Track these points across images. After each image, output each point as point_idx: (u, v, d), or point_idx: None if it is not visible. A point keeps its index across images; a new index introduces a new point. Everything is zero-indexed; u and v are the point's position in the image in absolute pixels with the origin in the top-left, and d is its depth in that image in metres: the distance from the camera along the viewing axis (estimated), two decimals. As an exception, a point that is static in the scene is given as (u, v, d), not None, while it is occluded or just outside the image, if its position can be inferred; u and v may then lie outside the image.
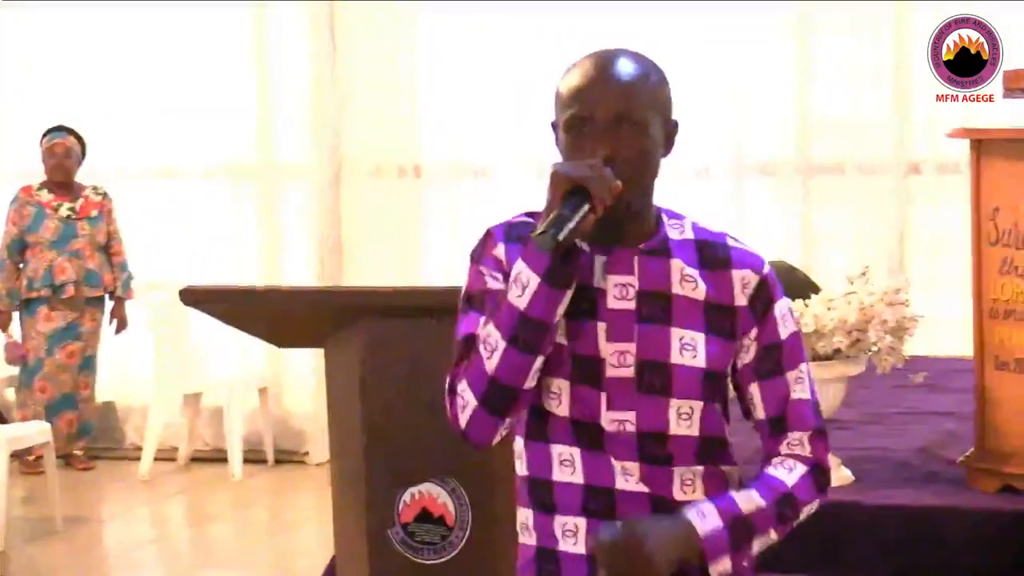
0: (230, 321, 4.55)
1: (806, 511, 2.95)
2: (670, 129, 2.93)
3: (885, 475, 5.46)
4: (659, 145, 2.89)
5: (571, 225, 2.70)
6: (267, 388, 10.31)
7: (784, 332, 2.95)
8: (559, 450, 2.88)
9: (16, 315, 10.15)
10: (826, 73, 9.47)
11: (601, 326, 2.85)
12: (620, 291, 2.86)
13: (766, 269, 2.96)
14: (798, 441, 2.95)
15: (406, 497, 3.58)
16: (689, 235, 2.91)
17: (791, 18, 9.54)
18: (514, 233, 2.90)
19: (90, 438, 10.32)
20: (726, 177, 9.71)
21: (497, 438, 2.87)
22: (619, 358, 2.84)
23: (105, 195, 10.24)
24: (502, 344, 2.78)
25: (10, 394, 10.56)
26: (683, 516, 2.80)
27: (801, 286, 6.27)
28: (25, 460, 9.56)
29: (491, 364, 2.78)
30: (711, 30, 9.57)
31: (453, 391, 2.84)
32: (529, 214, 2.92)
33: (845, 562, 5.05)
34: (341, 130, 10.35)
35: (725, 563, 2.82)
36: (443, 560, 3.67)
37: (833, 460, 5.34)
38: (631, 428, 2.84)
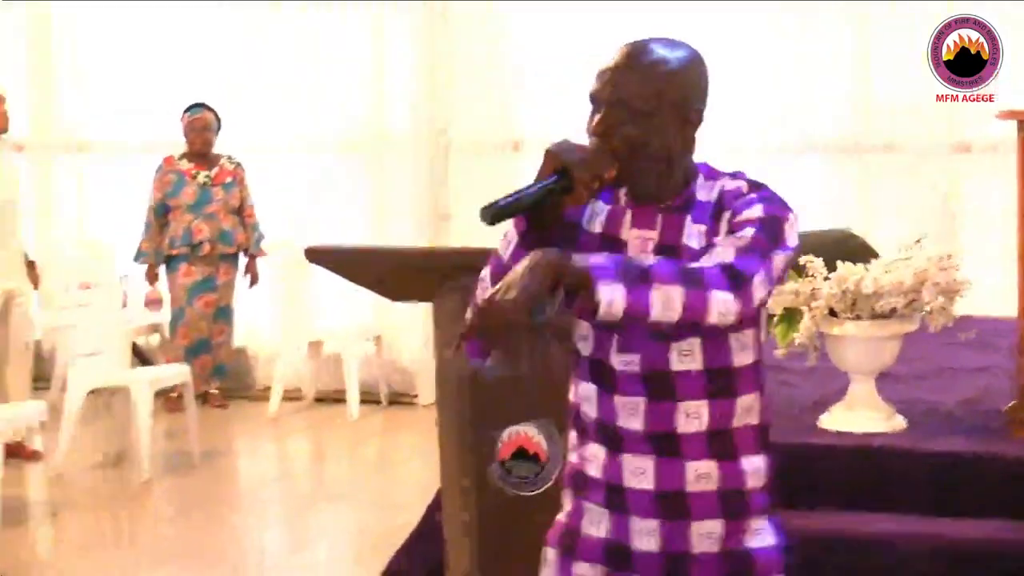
0: (348, 277, 4.57)
1: (716, 295, 2.60)
2: (688, 118, 2.83)
3: (934, 423, 5.45)
4: (663, 132, 2.80)
5: (513, 201, 2.72)
6: (381, 337, 10.35)
7: (743, 217, 2.75)
8: (584, 386, 2.89)
9: (161, 270, 10.25)
10: (881, 59, 9.39)
11: None
12: (640, 244, 2.83)
13: (748, 195, 2.79)
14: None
15: (504, 436, 3.58)
16: (714, 195, 2.82)
17: (851, 8, 9.47)
18: None
19: (224, 379, 10.40)
20: (793, 154, 9.63)
21: (492, 362, 2.80)
22: None
23: (238, 164, 10.31)
24: (489, 286, 2.81)
25: (154, 340, 10.66)
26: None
27: (861, 251, 6.24)
28: (167, 398, 9.64)
29: (480, 300, 2.78)
30: (780, 21, 9.51)
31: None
32: None
33: (895, 500, 5.03)
34: (447, 108, 10.36)
35: (617, 291, 2.54)
36: (536, 492, 3.66)
37: (887, 408, 5.33)
38: (636, 368, 2.81)
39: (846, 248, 6.33)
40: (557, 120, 9.73)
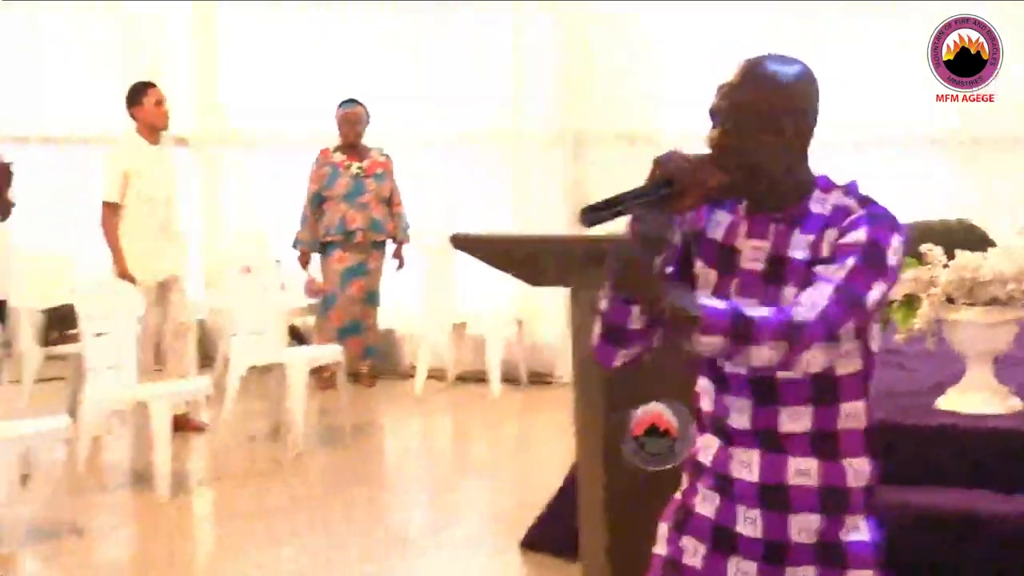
0: (491, 263, 4.59)
1: (805, 355, 2.66)
2: (801, 131, 2.83)
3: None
4: (777, 145, 2.80)
5: (610, 206, 2.72)
6: (521, 320, 10.39)
7: (847, 240, 2.75)
8: (703, 382, 2.96)
9: (315, 256, 10.37)
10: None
11: (735, 282, 2.86)
12: (753, 254, 2.85)
13: (854, 215, 2.78)
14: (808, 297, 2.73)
15: (637, 414, 3.59)
16: (828, 209, 2.82)
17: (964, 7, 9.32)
18: None
19: (374, 359, 10.50)
20: (916, 148, 9.52)
21: (617, 363, 2.94)
22: None
23: (388, 157, 10.41)
24: (609, 292, 2.83)
25: (310, 321, 10.80)
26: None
27: (979, 241, 6.17)
28: (321, 377, 9.75)
29: (603, 305, 2.86)
30: (907, 18, 9.40)
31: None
32: None
33: (1009, 479, 4.98)
34: (585, 103, 10.36)
35: (721, 348, 2.64)
36: (667, 468, 3.67)
37: (1003, 390, 5.28)
38: (743, 372, 2.84)
39: (964, 237, 6.25)
40: (688, 115, 9.72)
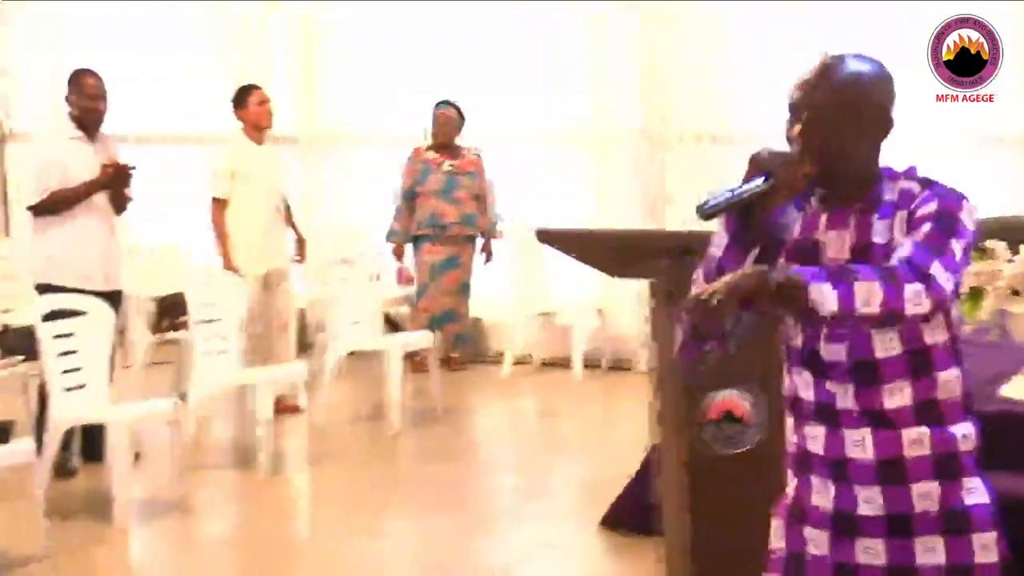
0: (575, 256, 4.62)
1: (908, 288, 2.63)
2: (877, 126, 2.87)
3: None
4: (854, 140, 2.85)
5: (722, 201, 2.78)
6: (603, 309, 10.41)
7: (920, 214, 2.78)
8: (799, 374, 2.93)
9: (408, 248, 10.45)
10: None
11: None
12: (838, 244, 2.87)
13: (922, 194, 2.83)
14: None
15: (713, 399, 3.62)
16: (896, 194, 2.85)
17: None
18: None
19: (464, 346, 10.57)
20: (987, 147, 9.45)
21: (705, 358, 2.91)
22: None
23: (480, 156, 10.47)
24: (703, 284, 2.82)
25: (403, 310, 10.87)
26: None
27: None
28: (414, 361, 9.82)
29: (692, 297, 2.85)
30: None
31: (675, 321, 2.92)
32: None
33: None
34: (666, 103, 10.35)
35: (826, 289, 2.59)
36: (740, 451, 3.70)
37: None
38: (843, 357, 2.85)
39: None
40: (765, 113, 9.69)
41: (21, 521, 6.60)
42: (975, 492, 2.88)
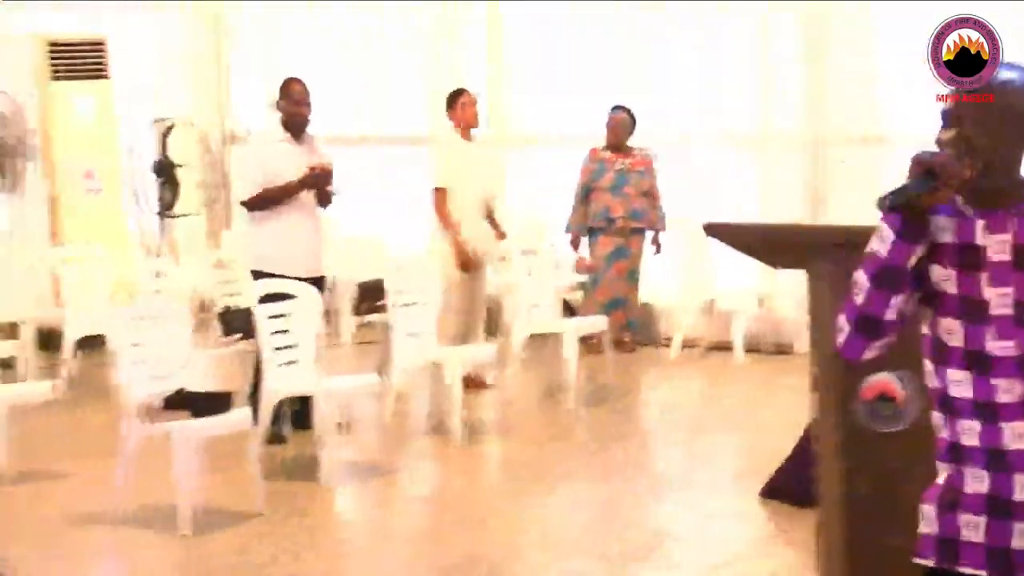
0: (739, 248, 4.63)
1: None
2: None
3: None
4: (1007, 146, 2.81)
5: (900, 196, 2.73)
6: (763, 298, 10.36)
7: None
8: (955, 372, 2.83)
9: (583, 240, 10.52)
10: None
11: (984, 275, 2.79)
12: (999, 247, 2.79)
13: None
14: None
15: (869, 381, 3.61)
16: None
17: None
18: None
19: (634, 330, 10.60)
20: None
21: (868, 355, 2.88)
22: (1001, 300, 2.78)
23: (650, 156, 10.49)
24: (867, 284, 2.81)
25: (578, 296, 10.93)
26: None
27: None
28: (589, 344, 9.87)
29: (859, 300, 2.82)
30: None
31: (837, 321, 2.90)
32: None
33: None
34: (825, 104, 10.23)
35: None
36: (893, 430, 3.69)
37: None
38: (1012, 352, 2.78)
39: None
40: (921, 117, 9.54)
41: (240, 482, 6.83)
42: None
